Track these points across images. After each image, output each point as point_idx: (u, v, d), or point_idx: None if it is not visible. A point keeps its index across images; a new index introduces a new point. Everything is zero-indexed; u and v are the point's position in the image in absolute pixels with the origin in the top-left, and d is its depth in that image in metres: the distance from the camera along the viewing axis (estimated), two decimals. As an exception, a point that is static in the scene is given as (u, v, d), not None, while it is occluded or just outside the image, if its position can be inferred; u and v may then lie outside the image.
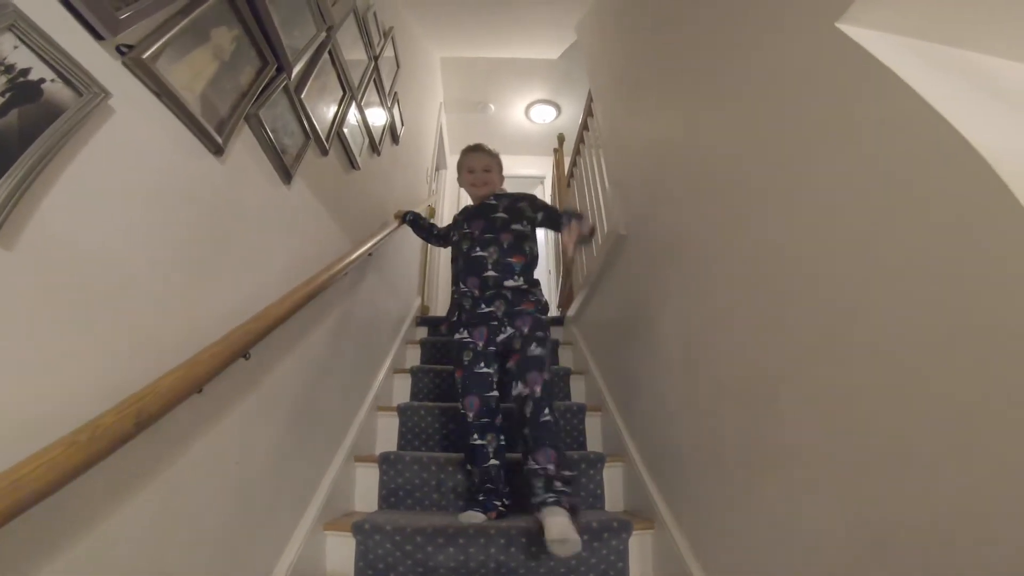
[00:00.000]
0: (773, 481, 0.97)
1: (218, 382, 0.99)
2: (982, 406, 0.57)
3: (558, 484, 1.42)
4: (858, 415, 0.76)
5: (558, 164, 3.86)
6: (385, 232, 2.23)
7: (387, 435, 2.14)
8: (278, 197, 1.36)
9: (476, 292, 1.78)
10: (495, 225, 1.83)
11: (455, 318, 1.83)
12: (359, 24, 1.96)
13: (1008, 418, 0.54)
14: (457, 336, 1.80)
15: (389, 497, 1.80)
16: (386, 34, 2.39)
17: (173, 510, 0.89)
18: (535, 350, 1.64)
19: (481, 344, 1.74)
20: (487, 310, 1.74)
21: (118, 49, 0.81)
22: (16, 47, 0.63)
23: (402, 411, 2.16)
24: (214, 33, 1.03)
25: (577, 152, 3.51)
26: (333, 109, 1.72)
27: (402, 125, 2.84)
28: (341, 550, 1.49)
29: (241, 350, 1.01)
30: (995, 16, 0.77)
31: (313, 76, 1.49)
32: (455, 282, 1.88)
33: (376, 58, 2.20)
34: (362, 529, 1.47)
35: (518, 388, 1.60)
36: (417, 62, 3.35)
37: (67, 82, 0.70)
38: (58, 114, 0.68)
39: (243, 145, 1.18)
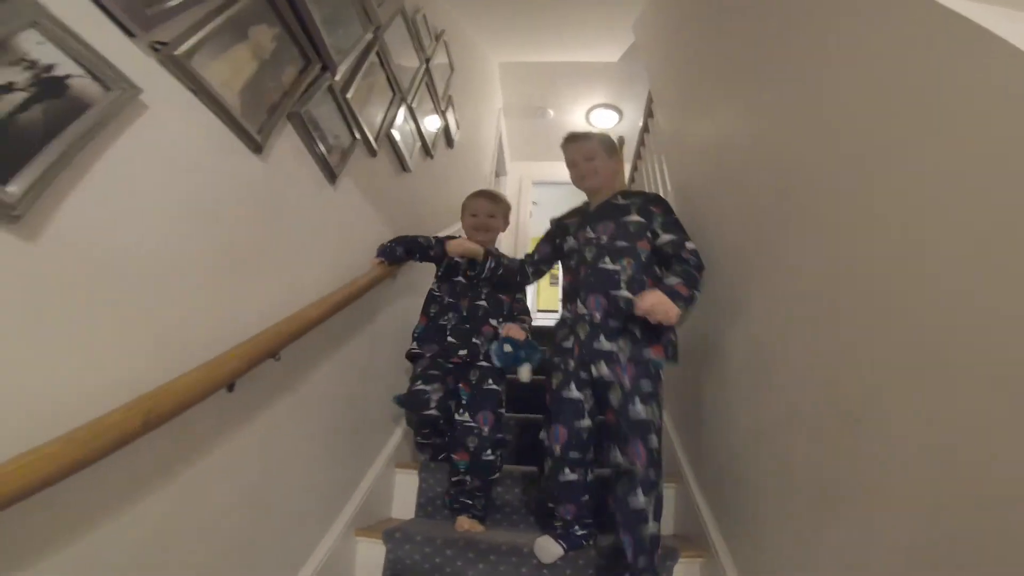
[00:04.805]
0: (845, 521, 0.84)
1: (248, 383, 0.98)
2: None
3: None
4: (962, 455, 0.62)
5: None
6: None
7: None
8: (322, 197, 1.36)
9: (598, 317, 1.44)
10: (628, 230, 1.51)
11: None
12: (408, 26, 1.95)
13: None
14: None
15: (427, 505, 1.77)
16: (438, 37, 2.38)
17: (183, 513, 0.88)
18: (639, 412, 1.33)
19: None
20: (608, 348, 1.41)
21: (152, 46, 0.81)
22: (40, 43, 0.63)
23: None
24: (253, 31, 1.03)
25: (638, 156, 3.39)
26: (382, 110, 1.72)
27: (457, 129, 2.83)
28: (371, 556, 1.47)
29: (269, 351, 1.00)
30: None
31: (360, 76, 1.49)
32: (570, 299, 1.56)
33: (428, 60, 2.19)
34: (393, 537, 1.45)
35: (615, 455, 1.34)
36: (473, 67, 3.35)
37: (95, 78, 0.70)
38: (85, 109, 0.68)
39: (286, 144, 1.18)
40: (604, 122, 4.84)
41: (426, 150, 2.27)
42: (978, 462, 0.60)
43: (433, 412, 1.62)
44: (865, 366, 0.83)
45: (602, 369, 1.38)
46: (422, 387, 1.65)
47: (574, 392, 1.42)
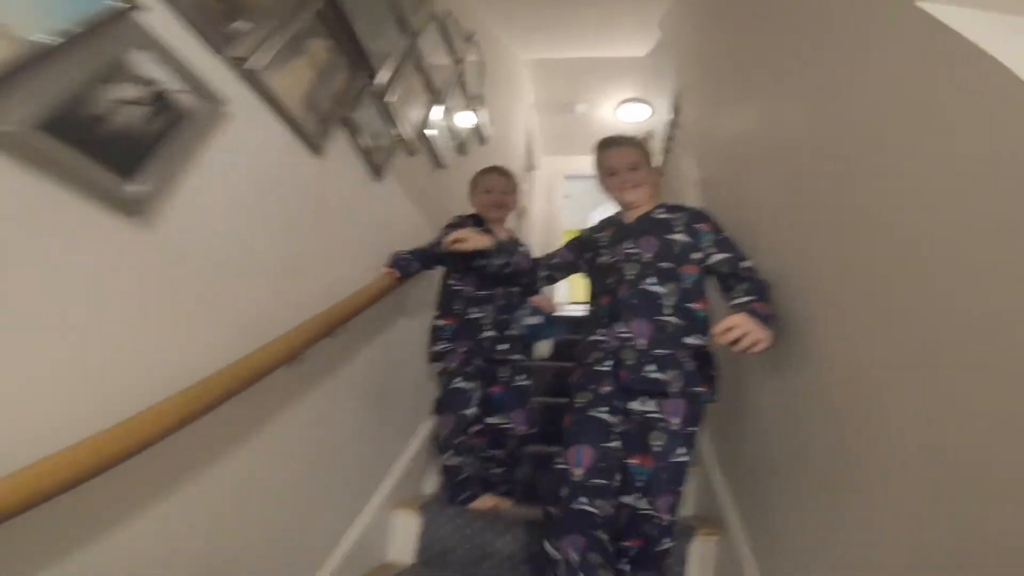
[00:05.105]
0: (855, 506, 0.88)
1: (309, 358, 1.11)
2: None
3: None
4: (959, 443, 0.66)
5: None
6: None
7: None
8: (369, 193, 1.49)
9: (643, 343, 1.27)
10: (672, 250, 1.34)
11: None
12: (440, 30, 2.06)
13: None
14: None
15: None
16: (468, 39, 2.49)
17: (256, 474, 1.02)
18: (682, 456, 1.23)
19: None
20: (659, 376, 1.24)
21: (232, 61, 0.94)
22: (151, 63, 0.76)
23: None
24: (310, 45, 1.15)
25: (667, 150, 3.43)
26: (419, 111, 1.84)
27: (489, 126, 2.93)
28: (407, 528, 1.59)
29: (327, 329, 1.13)
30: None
31: (399, 81, 1.61)
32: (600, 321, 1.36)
33: (459, 62, 2.30)
34: (428, 510, 1.57)
35: (639, 500, 1.23)
36: (503, 65, 3.45)
37: (193, 92, 0.83)
38: (187, 119, 0.81)
39: (338, 145, 1.31)
40: (635, 116, 4.86)
41: (460, 147, 2.38)
42: (975, 461, 0.63)
43: (474, 411, 1.59)
44: (878, 350, 0.86)
45: (647, 404, 1.23)
46: (462, 384, 1.59)
47: (603, 413, 1.24)
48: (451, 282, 1.74)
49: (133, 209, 0.71)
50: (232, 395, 0.83)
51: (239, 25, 0.95)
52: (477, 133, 2.72)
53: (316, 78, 1.19)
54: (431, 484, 1.91)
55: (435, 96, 1.97)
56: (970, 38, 0.67)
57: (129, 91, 0.72)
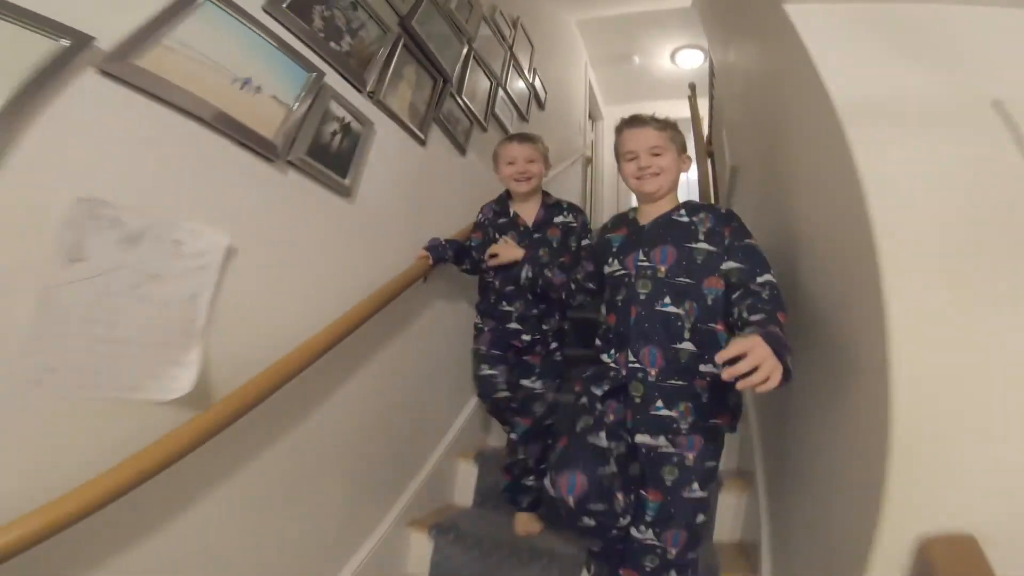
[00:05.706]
0: None
1: (430, 280, 1.73)
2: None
3: None
4: None
5: (692, 109, 4.05)
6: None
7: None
8: (457, 166, 2.09)
9: (653, 374, 1.15)
10: (695, 261, 1.18)
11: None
12: (490, 26, 2.56)
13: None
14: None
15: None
16: (514, 24, 2.94)
17: (400, 360, 1.64)
18: (696, 492, 1.11)
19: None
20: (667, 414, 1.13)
21: (368, 95, 1.54)
22: (337, 107, 1.37)
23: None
24: (404, 70, 1.72)
25: (711, 96, 3.71)
26: (485, 96, 2.39)
27: (545, 93, 3.40)
28: (467, 475, 1.92)
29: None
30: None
31: (467, 78, 2.16)
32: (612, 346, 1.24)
33: (511, 47, 2.80)
34: (482, 458, 1.86)
35: (645, 532, 1.12)
36: (551, 34, 3.84)
37: (358, 120, 1.45)
38: (359, 138, 1.44)
39: (434, 135, 1.89)
40: (690, 63, 5.00)
41: (521, 116, 2.89)
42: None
43: (505, 394, 1.70)
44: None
45: (658, 440, 1.12)
46: (489, 372, 1.71)
47: (603, 439, 1.12)
48: (487, 277, 1.82)
49: (347, 194, 1.36)
50: (395, 298, 1.47)
51: (370, 68, 1.55)
52: (536, 101, 3.22)
53: (412, 93, 1.77)
54: (497, 437, 2.13)
55: (495, 81, 2.50)
56: (808, 46, 1.02)
57: (335, 126, 1.36)
